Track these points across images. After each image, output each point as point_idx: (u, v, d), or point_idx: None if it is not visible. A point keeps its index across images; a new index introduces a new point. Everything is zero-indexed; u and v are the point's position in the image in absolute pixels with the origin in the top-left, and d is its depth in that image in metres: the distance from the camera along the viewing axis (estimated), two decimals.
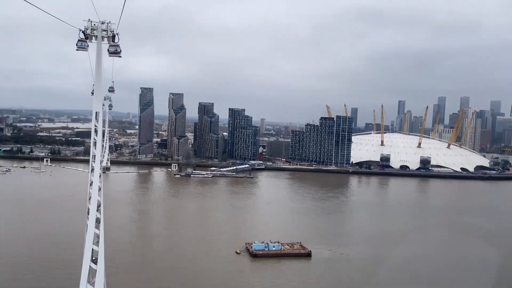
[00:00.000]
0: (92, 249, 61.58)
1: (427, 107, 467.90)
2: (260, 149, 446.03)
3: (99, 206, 62.39)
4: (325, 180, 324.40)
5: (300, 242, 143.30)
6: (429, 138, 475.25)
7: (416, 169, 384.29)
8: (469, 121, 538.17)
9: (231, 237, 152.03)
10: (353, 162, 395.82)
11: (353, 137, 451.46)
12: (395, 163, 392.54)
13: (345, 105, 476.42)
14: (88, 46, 60.07)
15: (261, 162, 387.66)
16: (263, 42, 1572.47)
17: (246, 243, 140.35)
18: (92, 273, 61.98)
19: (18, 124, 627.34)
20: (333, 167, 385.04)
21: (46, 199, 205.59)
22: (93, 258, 61.85)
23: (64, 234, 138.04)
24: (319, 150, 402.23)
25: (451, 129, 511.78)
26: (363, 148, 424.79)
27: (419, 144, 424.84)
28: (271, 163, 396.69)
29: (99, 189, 62.63)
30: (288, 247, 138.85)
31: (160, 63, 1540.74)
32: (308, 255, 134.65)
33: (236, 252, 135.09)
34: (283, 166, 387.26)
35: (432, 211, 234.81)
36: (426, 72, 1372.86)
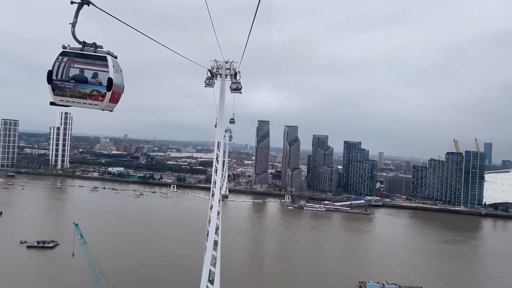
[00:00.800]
0: (210, 270, 64.65)
1: None
2: (378, 185, 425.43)
3: (217, 229, 65.72)
4: (451, 221, 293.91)
5: (421, 287, 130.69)
6: None
7: None
8: None
9: (344, 274, 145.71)
10: (487, 203, 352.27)
11: (486, 175, 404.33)
12: None
13: (476, 139, 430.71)
14: (214, 83, 65.41)
15: (379, 198, 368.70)
16: (383, 74, 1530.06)
17: (360, 282, 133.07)
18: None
19: (151, 153, 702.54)
20: (461, 208, 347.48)
21: (172, 221, 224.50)
22: (210, 278, 64.80)
23: (186, 255, 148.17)
24: (444, 188, 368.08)
25: None
26: (499, 188, 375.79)
27: None
28: (389, 200, 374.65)
29: (218, 213, 66.23)
30: None
31: (277, 96, 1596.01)
32: None
33: None
34: (403, 204, 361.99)
35: None
36: None
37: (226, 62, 66.56)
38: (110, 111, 14.66)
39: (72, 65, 13.58)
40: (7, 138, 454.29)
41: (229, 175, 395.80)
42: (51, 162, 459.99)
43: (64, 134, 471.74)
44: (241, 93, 67.83)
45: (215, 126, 78.47)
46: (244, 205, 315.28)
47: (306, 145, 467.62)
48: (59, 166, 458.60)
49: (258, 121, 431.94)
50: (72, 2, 12.98)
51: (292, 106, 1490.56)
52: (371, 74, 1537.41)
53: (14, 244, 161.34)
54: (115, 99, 14.08)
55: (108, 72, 13.56)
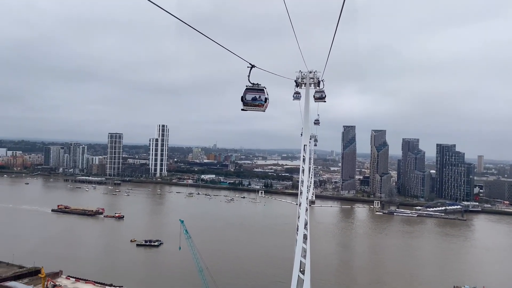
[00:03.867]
0: (300, 261, 70.98)
1: None
2: (476, 190, 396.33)
3: (306, 224, 71.88)
4: None
5: None
6: None
7: None
8: None
9: (438, 278, 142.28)
10: None
11: None
12: None
13: None
14: (301, 97, 71.87)
15: (477, 203, 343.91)
16: (478, 71, 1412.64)
17: (454, 286, 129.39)
18: (300, 283, 71.12)
19: (238, 161, 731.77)
20: None
21: (263, 225, 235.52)
22: (301, 269, 71.07)
23: (278, 256, 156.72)
24: None
25: None
26: None
27: None
28: (489, 206, 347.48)
29: (306, 210, 72.40)
30: None
31: (363, 101, 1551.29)
32: None
33: None
34: (505, 210, 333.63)
35: None
36: None
37: (310, 72, 72.92)
38: (264, 111, 33.07)
39: (248, 93, 32.41)
40: (113, 150, 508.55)
41: (315, 181, 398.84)
42: (151, 170, 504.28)
43: (162, 145, 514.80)
44: (325, 101, 73.40)
45: (301, 134, 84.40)
46: (331, 211, 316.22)
47: (395, 150, 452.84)
48: (158, 174, 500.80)
49: (344, 126, 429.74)
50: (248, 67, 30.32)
51: (379, 110, 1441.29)
52: (465, 72, 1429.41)
53: (125, 243, 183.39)
54: (266, 106, 33.09)
55: (264, 94, 32.71)
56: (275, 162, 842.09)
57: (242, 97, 32.24)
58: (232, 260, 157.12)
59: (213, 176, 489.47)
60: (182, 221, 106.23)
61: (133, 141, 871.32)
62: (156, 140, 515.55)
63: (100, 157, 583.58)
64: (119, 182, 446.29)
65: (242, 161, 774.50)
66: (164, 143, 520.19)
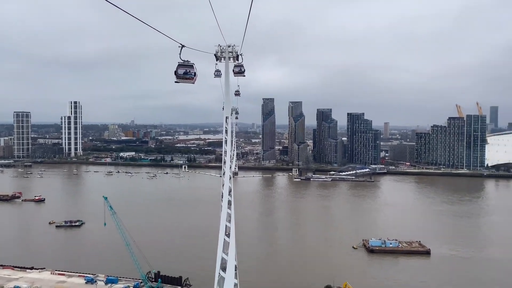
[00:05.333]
0: (226, 225, 76.17)
1: None
2: (382, 154, 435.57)
3: (230, 191, 76.71)
4: (455, 184, 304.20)
5: (419, 241, 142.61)
6: None
7: None
8: None
9: (349, 233, 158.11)
10: (489, 165, 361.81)
11: (489, 138, 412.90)
12: None
13: (477, 103, 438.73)
14: (221, 74, 74.94)
15: (383, 166, 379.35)
16: (387, 44, 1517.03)
17: (363, 240, 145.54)
18: (226, 245, 76.52)
19: (159, 137, 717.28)
20: (465, 171, 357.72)
21: (188, 198, 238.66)
22: (227, 232, 76.42)
23: (205, 226, 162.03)
24: (447, 153, 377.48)
25: None
26: (501, 149, 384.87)
27: None
28: (394, 167, 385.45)
29: (230, 178, 77.06)
30: (406, 245, 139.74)
31: (281, 74, 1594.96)
32: (427, 253, 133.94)
33: (353, 247, 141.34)
34: (407, 170, 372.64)
35: None
36: None
37: (229, 46, 76.17)
38: (193, 83, 38.18)
39: (180, 68, 37.33)
40: (21, 130, 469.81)
41: (237, 154, 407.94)
42: (65, 150, 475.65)
43: (75, 123, 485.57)
44: (244, 75, 77.39)
45: (223, 108, 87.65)
46: (254, 180, 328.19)
47: (310, 120, 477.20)
48: (72, 154, 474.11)
49: (263, 99, 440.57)
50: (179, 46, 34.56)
51: (296, 82, 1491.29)
52: (375, 45, 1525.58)
53: (44, 225, 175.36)
54: (195, 80, 38.03)
55: (194, 69, 37.71)
56: (197, 136, 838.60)
57: (175, 71, 37.35)
58: (160, 233, 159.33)
59: (133, 153, 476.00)
60: (105, 198, 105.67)
61: (42, 120, 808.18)
62: (69, 118, 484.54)
63: (5, 138, 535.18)
64: (30, 164, 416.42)
65: (163, 137, 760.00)
66: (78, 120, 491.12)
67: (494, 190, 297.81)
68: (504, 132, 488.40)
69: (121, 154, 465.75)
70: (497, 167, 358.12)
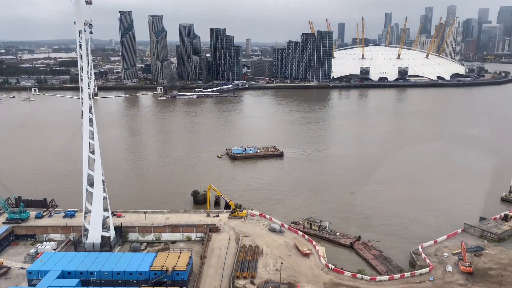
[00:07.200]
0: (89, 142, 76.92)
1: (406, 18, 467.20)
2: (244, 70, 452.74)
3: (90, 108, 76.26)
4: (307, 95, 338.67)
5: (274, 146, 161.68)
6: (410, 49, 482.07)
7: (394, 80, 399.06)
8: (449, 30, 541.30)
9: (215, 145, 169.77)
10: (334, 77, 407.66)
11: (336, 53, 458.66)
12: (374, 76, 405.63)
13: (326, 20, 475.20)
14: None
15: (245, 81, 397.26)
16: None
17: (226, 149, 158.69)
18: (91, 162, 77.92)
19: None
20: (314, 83, 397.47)
21: (45, 124, 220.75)
22: (91, 150, 77.42)
23: (65, 150, 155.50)
24: (301, 67, 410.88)
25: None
26: (345, 63, 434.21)
27: (399, 55, 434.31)
28: (254, 83, 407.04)
29: (89, 95, 76.09)
30: (263, 150, 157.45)
31: None
32: (280, 155, 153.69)
33: (218, 156, 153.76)
34: (266, 85, 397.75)
35: (403, 114, 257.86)
36: None
37: None
38: None
39: None
40: None
41: (95, 73, 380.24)
42: None
43: None
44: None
45: (74, 22, 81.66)
46: (116, 101, 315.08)
47: (173, 36, 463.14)
48: None
49: (120, 12, 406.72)
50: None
51: None
52: None
53: None
54: None
55: None
56: (46, 55, 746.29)
57: None
58: (17, 160, 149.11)
59: None
60: None
61: None
62: None
63: None
64: None
65: (3, 56, 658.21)
66: None
67: (337, 99, 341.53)
68: (348, 47, 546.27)
69: None
70: (340, 78, 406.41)
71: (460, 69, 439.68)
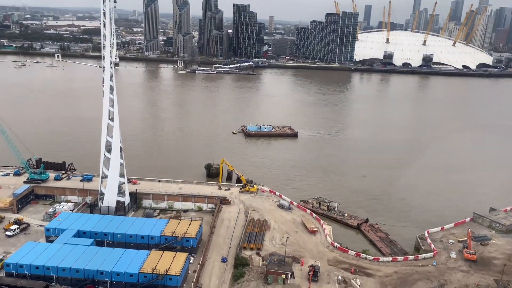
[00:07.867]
0: (109, 110, 78.96)
1: (435, 3, 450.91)
2: (266, 48, 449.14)
3: (111, 76, 77.89)
4: (327, 77, 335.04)
5: (290, 126, 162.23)
6: (437, 36, 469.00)
7: (418, 66, 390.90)
8: (479, 18, 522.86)
9: (231, 121, 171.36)
10: (357, 60, 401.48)
11: (360, 35, 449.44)
12: (398, 61, 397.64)
13: (353, 1, 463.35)
14: None
15: (265, 60, 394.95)
16: None
17: (241, 126, 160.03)
18: (110, 129, 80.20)
19: (24, 22, 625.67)
20: (336, 65, 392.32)
21: (66, 90, 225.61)
22: (110, 117, 79.51)
23: (86, 116, 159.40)
24: (323, 48, 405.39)
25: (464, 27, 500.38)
26: (368, 46, 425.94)
27: (424, 41, 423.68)
28: (275, 61, 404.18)
29: (111, 63, 77.78)
30: (278, 129, 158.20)
31: None
32: (295, 135, 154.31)
33: (233, 133, 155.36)
34: (286, 64, 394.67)
35: (423, 102, 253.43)
36: None
37: None
38: None
39: None
40: None
41: (118, 43, 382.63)
42: None
43: None
44: None
45: None
46: (137, 72, 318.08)
47: (196, 10, 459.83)
48: None
49: None
50: None
51: None
52: None
53: None
54: None
55: None
56: (70, 23, 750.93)
57: None
58: (38, 123, 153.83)
59: None
60: None
61: None
62: None
63: None
64: None
65: (29, 22, 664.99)
66: None
67: (358, 82, 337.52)
68: (373, 30, 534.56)
69: None
70: (363, 62, 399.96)
71: (488, 59, 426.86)
